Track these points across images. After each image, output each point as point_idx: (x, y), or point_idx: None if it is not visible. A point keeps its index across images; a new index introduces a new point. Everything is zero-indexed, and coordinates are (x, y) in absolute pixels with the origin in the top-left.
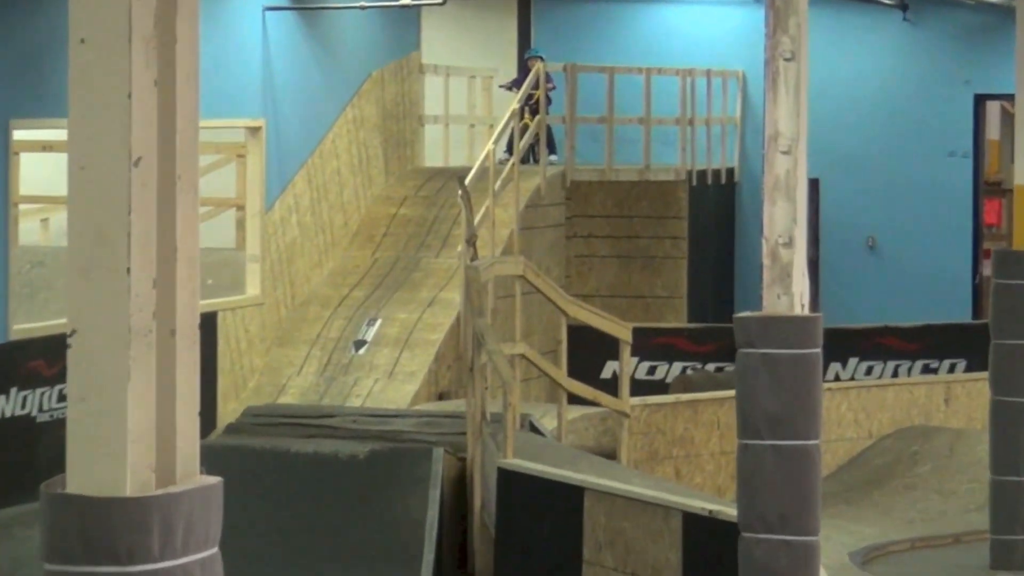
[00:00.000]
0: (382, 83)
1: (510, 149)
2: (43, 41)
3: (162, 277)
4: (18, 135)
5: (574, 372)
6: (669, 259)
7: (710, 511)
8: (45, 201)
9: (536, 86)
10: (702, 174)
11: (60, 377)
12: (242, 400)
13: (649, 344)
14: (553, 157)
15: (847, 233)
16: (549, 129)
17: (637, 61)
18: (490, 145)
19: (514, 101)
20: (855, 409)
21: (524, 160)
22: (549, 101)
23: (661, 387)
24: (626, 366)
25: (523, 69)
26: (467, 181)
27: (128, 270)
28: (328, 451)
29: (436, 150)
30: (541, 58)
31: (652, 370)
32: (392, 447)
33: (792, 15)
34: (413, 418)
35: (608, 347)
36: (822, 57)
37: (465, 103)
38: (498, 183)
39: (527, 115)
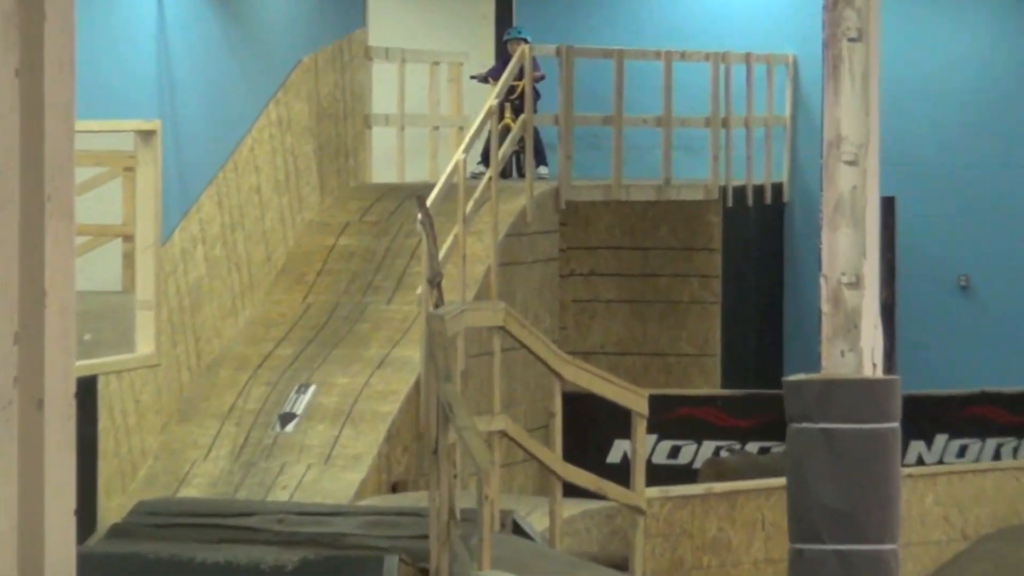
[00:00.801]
0: (315, 72)
1: (486, 160)
2: None
3: (26, 331)
4: None
5: (572, 455)
6: (697, 304)
7: None
8: None
9: (520, 76)
10: (740, 192)
11: None
12: (131, 493)
13: (671, 417)
14: (543, 170)
15: (931, 270)
16: (537, 133)
17: (653, 43)
18: (459, 154)
19: (491, 96)
20: (944, 503)
21: (505, 174)
22: (537, 96)
23: (687, 474)
24: (641, 447)
25: (503, 54)
26: (429, 202)
27: None
28: (245, 561)
29: (387, 161)
30: (526, 40)
31: (675, 452)
32: (330, 555)
33: None
34: (358, 517)
35: (617, 421)
36: (898, 38)
37: (426, 99)
38: (470, 204)
39: (508, 114)
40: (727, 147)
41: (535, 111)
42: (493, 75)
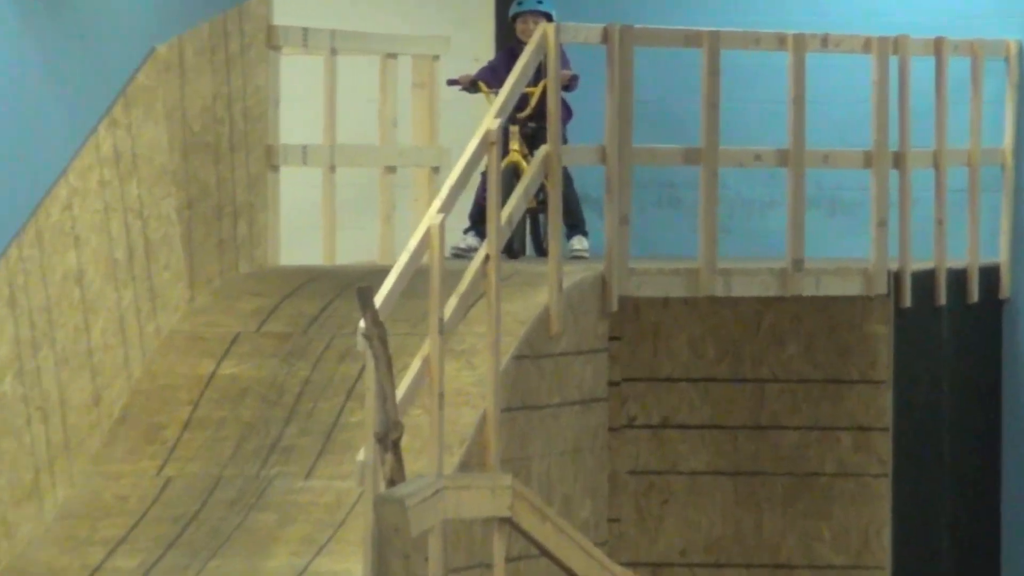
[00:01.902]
0: (180, 70)
1: (479, 225)
2: None
3: None
4: None
5: None
6: (850, 479)
7: None
8: None
9: (537, 79)
10: (924, 281)
11: None
12: None
13: None
14: (578, 242)
15: None
16: (569, 179)
17: (768, 23)
18: (433, 214)
19: (488, 114)
20: None
21: (512, 250)
22: (568, 114)
23: None
24: None
25: (507, 43)
26: (379, 300)
27: None
28: None
29: (306, 228)
30: (548, 16)
31: None
32: None
33: None
34: None
35: None
36: None
37: (374, 118)
38: (452, 303)
39: (517, 145)
40: (903, 205)
41: (564, 140)
42: (489, 77)
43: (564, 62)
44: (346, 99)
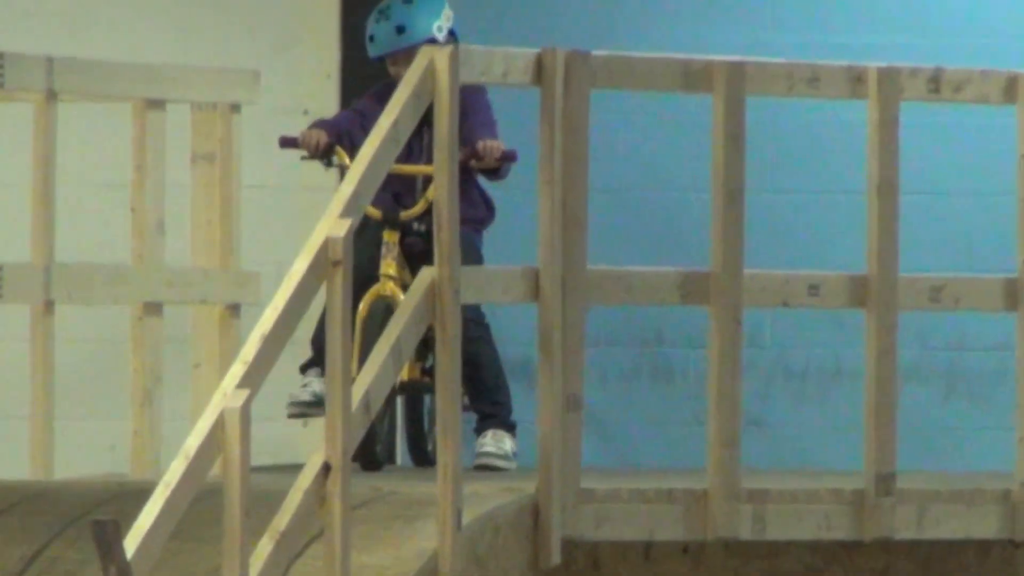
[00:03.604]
0: None
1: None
2: None
3: None
4: None
5: None
6: None
7: None
8: None
9: (421, 154)
10: None
11: None
12: None
13: None
14: (497, 443)
15: None
16: (481, 328)
17: (826, 37)
18: (231, 389)
19: (331, 206)
20: None
21: (373, 456)
22: (487, 214)
23: None
24: None
25: (384, 81)
26: (131, 546)
27: None
28: None
29: (11, 403)
30: (452, 35)
31: None
32: None
33: None
34: None
35: None
36: None
37: (122, 216)
38: (263, 549)
39: (395, 270)
40: None
41: (476, 256)
42: (354, 134)
43: (486, 123)
44: (73, 179)
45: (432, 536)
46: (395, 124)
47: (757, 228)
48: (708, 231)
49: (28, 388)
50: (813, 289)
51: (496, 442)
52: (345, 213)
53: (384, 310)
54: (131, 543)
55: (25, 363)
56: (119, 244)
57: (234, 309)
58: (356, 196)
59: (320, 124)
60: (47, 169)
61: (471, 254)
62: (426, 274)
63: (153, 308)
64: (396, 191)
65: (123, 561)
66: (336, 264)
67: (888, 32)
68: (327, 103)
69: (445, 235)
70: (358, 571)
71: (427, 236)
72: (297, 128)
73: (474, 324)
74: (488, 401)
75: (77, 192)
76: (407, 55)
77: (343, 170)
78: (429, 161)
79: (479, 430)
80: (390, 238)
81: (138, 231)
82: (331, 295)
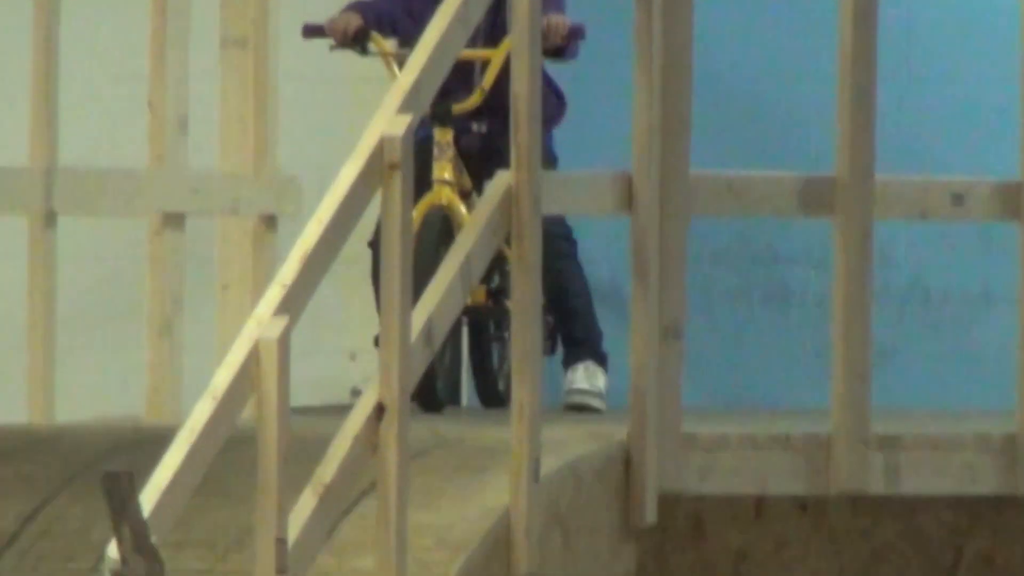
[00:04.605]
0: None
1: None
2: None
3: None
4: None
5: None
6: None
7: None
8: None
9: (494, 33)
10: None
11: None
12: None
13: None
14: (588, 379)
15: None
16: (567, 244)
17: None
18: (266, 316)
19: (387, 99)
20: None
21: (434, 395)
22: (560, 108)
23: None
24: None
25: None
26: (149, 501)
27: None
28: None
29: None
30: None
31: None
32: None
33: None
34: None
35: None
36: None
37: (137, 113)
38: (306, 505)
39: (451, 173)
40: None
41: (551, 160)
42: (396, 18)
43: (555, 1)
44: (79, 69)
45: (503, 490)
46: (465, 2)
47: (890, 127)
48: (832, 130)
49: (24, 315)
50: (957, 198)
51: (589, 378)
52: (404, 108)
53: (441, 221)
54: (148, 499)
55: (22, 286)
56: (134, 145)
57: (270, 221)
58: (417, 88)
59: (355, 6)
60: (48, 57)
61: (551, 155)
62: (501, 180)
63: (174, 220)
64: (446, 81)
65: (138, 520)
66: (393, 168)
67: None
68: None
69: (523, 135)
70: (416, 531)
71: (485, 135)
72: (340, 8)
73: (561, 240)
74: (579, 328)
75: (83, 84)
76: None
77: (386, 60)
78: (488, 43)
79: (567, 362)
80: (442, 137)
81: (156, 130)
82: (388, 204)
